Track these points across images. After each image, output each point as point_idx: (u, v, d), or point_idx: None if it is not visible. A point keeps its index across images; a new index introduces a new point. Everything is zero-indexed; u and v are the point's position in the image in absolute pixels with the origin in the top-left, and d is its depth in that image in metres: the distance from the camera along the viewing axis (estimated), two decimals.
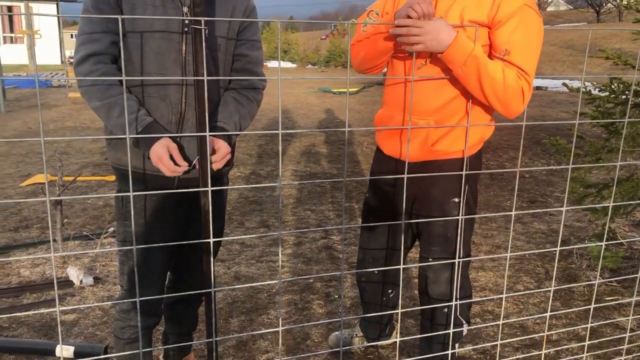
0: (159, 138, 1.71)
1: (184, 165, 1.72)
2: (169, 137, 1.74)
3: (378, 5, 2.05)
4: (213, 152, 1.78)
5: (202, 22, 1.56)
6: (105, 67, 1.72)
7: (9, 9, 27.07)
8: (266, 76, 1.92)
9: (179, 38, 1.75)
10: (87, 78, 1.70)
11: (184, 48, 1.76)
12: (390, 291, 2.42)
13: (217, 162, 1.78)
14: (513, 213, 1.59)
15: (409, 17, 1.72)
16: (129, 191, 1.84)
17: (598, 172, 5.89)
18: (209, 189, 1.70)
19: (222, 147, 1.79)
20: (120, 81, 1.72)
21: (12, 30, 26.39)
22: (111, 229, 4.05)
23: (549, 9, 45.54)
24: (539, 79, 17.21)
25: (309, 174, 6.18)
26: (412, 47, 1.76)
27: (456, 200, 2.06)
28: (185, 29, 1.75)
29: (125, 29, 1.72)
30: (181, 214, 1.95)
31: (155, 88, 1.77)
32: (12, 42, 26.96)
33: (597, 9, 35.87)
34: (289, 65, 32.59)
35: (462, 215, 2.05)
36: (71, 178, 4.13)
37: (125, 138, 1.77)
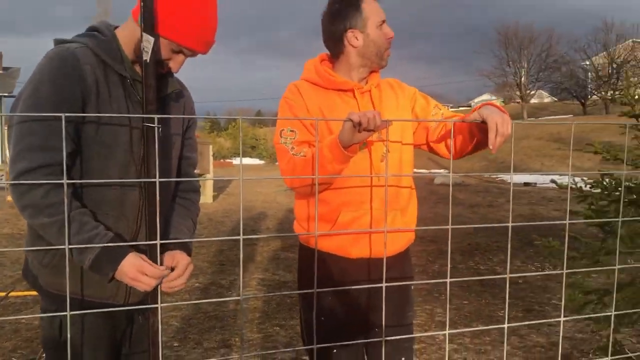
0: (123, 255, 1.64)
1: (164, 269, 1.67)
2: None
3: (287, 122, 2.14)
4: (172, 269, 1.74)
5: (156, 119, 1.61)
6: (60, 178, 1.62)
7: None
8: (232, 175, 1.97)
9: (140, 150, 1.76)
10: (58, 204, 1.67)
11: (140, 161, 1.77)
12: None
13: (180, 277, 1.75)
14: (506, 326, 1.57)
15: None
16: (65, 319, 1.75)
17: (598, 277, 5.94)
18: (159, 305, 1.66)
19: (182, 260, 1.76)
20: (75, 196, 1.67)
21: None
22: None
23: (532, 100, 47.98)
24: (527, 174, 17.78)
25: (277, 283, 6.08)
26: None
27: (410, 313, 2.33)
28: None
29: (89, 138, 1.69)
30: (116, 345, 1.90)
31: (114, 205, 1.75)
32: None
33: (583, 101, 37.91)
34: (256, 162, 33.11)
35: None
36: (2, 294, 3.98)
37: (73, 259, 1.72)
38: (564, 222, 1.66)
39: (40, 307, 1.87)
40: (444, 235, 8.62)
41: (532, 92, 45.20)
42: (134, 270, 1.62)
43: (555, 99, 45.26)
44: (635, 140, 3.35)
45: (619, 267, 2.11)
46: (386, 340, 2.19)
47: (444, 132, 2.25)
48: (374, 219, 2.15)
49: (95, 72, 1.70)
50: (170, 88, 1.90)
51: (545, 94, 48.88)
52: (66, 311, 1.75)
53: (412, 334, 2.34)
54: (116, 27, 1.82)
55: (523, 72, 43.25)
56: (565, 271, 1.77)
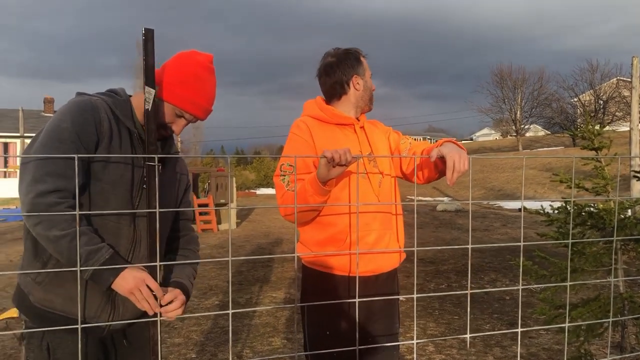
0: (124, 268, 1.69)
1: (162, 295, 1.73)
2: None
3: (288, 158, 2.22)
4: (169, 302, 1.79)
5: (156, 158, 1.71)
6: (72, 201, 1.69)
7: (5, 145, 28.07)
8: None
9: (139, 190, 1.84)
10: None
11: (137, 202, 1.84)
12: None
13: (176, 309, 1.79)
14: (468, 335, 1.62)
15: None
16: (54, 339, 1.76)
17: (572, 293, 5.88)
18: (159, 319, 1.74)
19: (179, 296, 1.81)
20: (83, 216, 1.73)
21: (6, 165, 27.05)
22: None
23: (528, 134, 47.78)
24: (516, 201, 17.68)
25: (287, 301, 6.12)
26: None
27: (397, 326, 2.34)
28: (144, 186, 1.82)
29: (97, 174, 1.76)
30: None
31: (110, 235, 1.79)
32: (5, 176, 27.59)
33: (572, 134, 37.65)
34: None
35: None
36: None
37: (67, 276, 1.74)
38: (519, 244, 1.71)
39: (24, 328, 1.82)
40: (442, 257, 8.61)
41: (527, 126, 45.02)
42: (138, 278, 1.67)
43: (548, 132, 44.95)
44: (595, 170, 3.40)
45: (571, 283, 2.16)
46: (378, 348, 2.25)
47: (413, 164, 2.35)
48: (375, 238, 2.25)
49: (110, 121, 1.81)
50: (171, 149, 2.02)
51: (539, 127, 48.62)
52: (54, 329, 1.72)
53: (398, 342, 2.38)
54: (130, 96, 1.94)
55: (518, 109, 43.19)
56: (521, 287, 1.82)
